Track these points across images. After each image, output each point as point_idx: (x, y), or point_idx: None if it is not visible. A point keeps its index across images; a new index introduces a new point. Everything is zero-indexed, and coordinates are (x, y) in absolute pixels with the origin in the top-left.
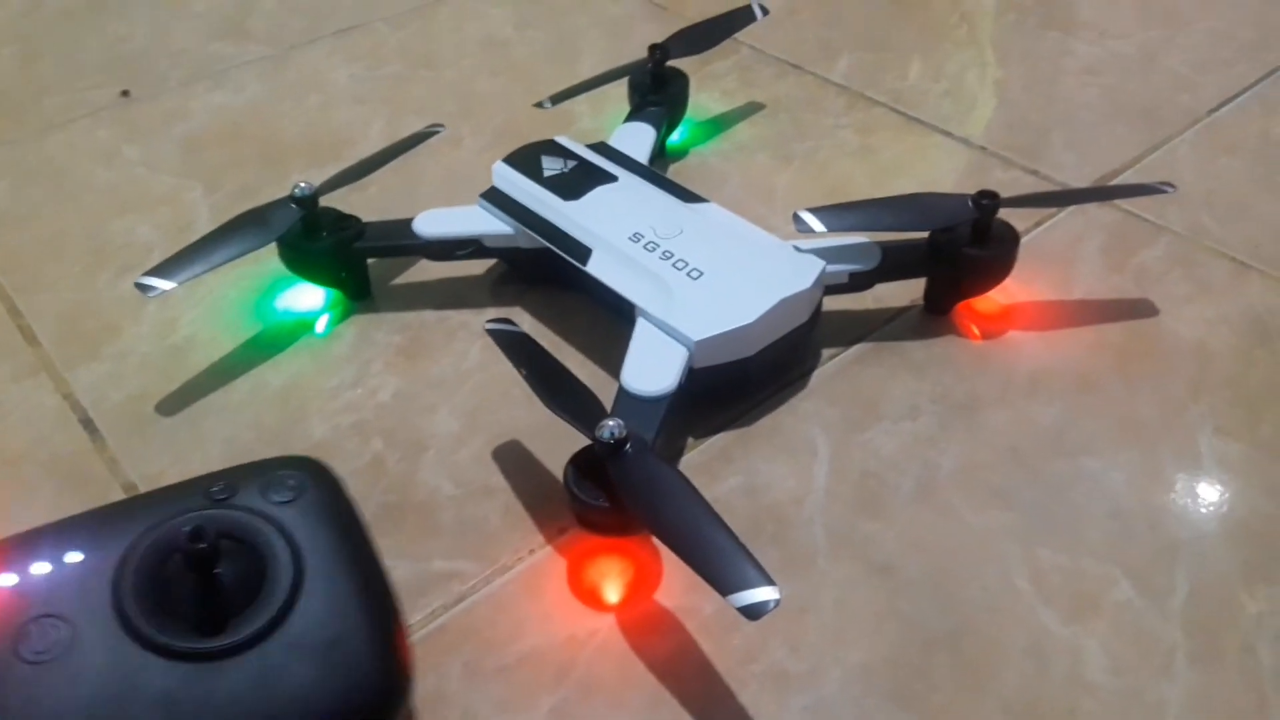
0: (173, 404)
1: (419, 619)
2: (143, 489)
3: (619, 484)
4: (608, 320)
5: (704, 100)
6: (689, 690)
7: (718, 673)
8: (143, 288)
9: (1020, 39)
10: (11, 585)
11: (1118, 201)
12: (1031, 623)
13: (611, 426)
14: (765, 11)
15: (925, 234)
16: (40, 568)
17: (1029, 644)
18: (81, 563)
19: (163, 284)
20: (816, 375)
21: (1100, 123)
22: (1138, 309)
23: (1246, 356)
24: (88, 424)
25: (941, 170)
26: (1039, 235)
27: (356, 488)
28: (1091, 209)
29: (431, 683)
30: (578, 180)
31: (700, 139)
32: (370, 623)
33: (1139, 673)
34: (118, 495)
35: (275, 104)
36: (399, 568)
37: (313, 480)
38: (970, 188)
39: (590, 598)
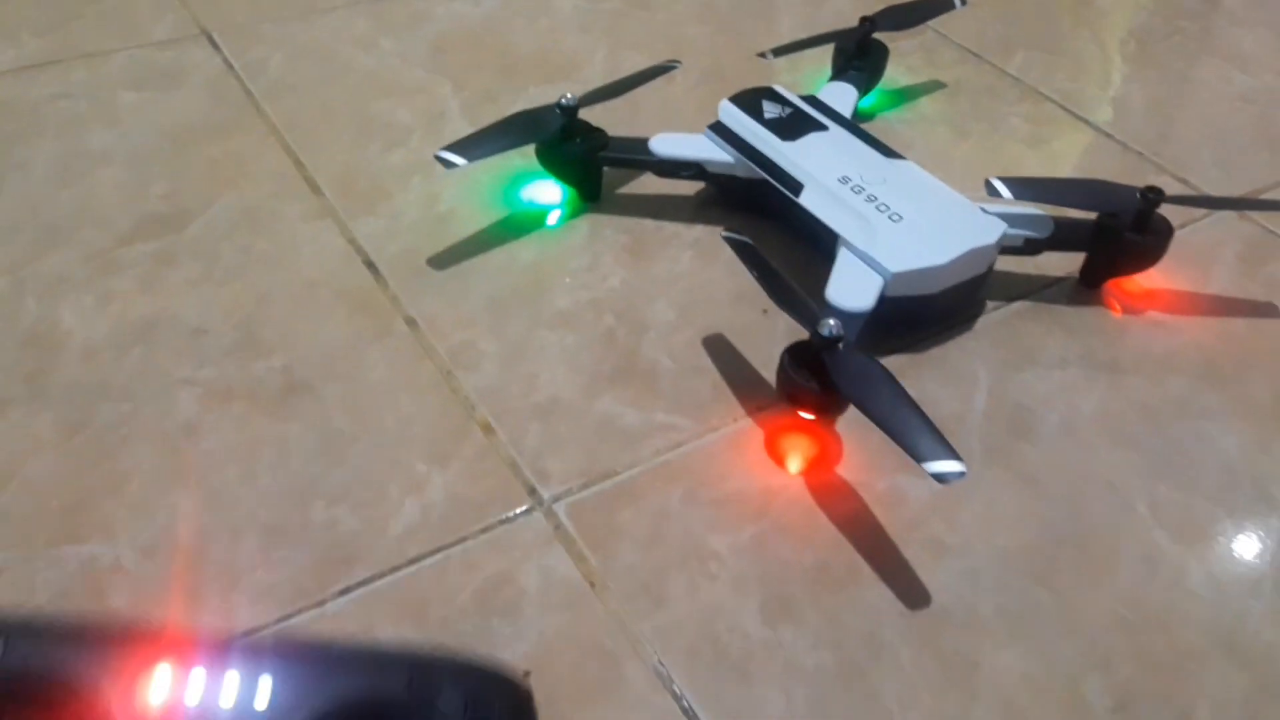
0: (441, 260)
1: (646, 454)
2: (421, 326)
3: (835, 371)
4: (800, 248)
5: (892, 73)
6: (862, 542)
7: (886, 534)
8: (443, 161)
9: (1183, 61)
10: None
11: (1257, 217)
12: (1146, 538)
13: (832, 325)
14: (964, 1)
15: (1093, 215)
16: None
17: (1142, 554)
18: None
19: (458, 159)
20: (981, 321)
21: (1248, 145)
22: (1262, 310)
23: None
24: (370, 266)
25: (1101, 167)
26: (1185, 234)
27: (595, 356)
28: (1233, 220)
29: (657, 503)
30: (794, 124)
31: (887, 106)
32: None
33: (1231, 589)
34: (400, 327)
35: (509, 20)
36: (628, 414)
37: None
38: (1161, 187)
39: (783, 461)
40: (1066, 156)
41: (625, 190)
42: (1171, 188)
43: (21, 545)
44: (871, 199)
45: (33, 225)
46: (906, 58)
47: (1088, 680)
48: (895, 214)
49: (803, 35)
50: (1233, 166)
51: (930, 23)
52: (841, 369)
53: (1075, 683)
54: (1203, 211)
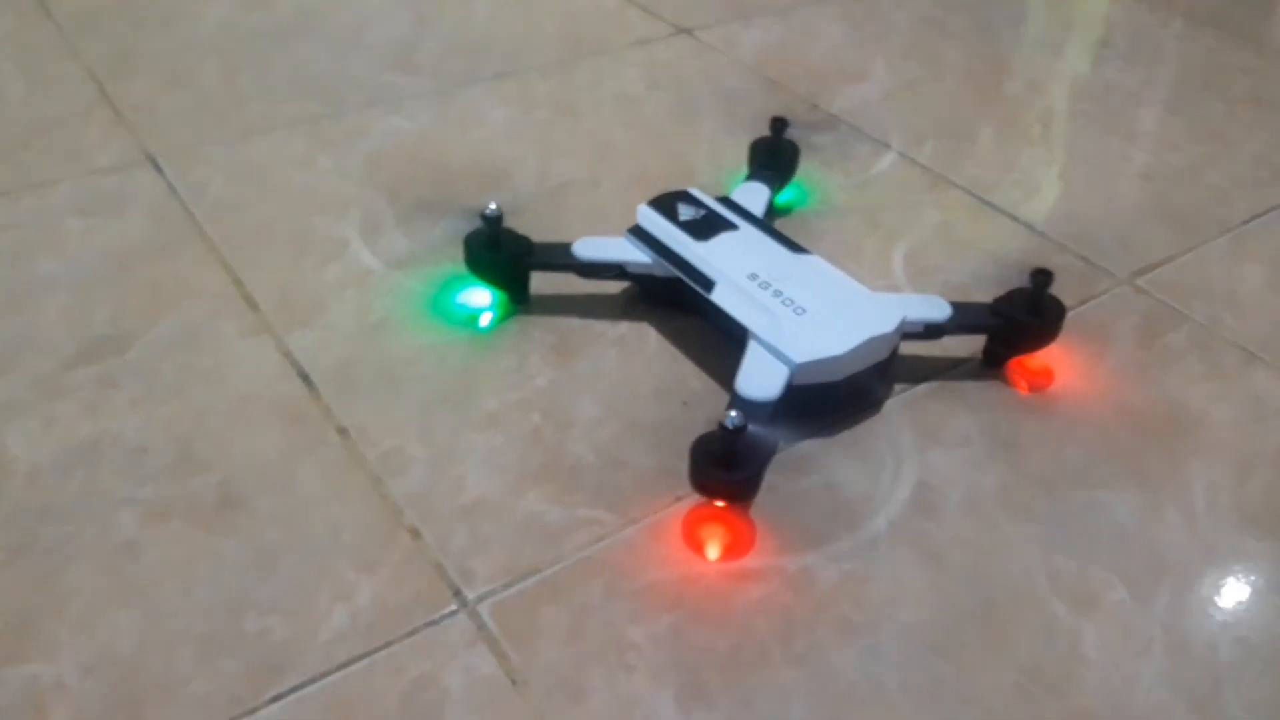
0: (373, 368)
1: (568, 550)
2: (352, 434)
3: (741, 454)
4: (715, 339)
5: (807, 166)
6: (774, 625)
7: (796, 615)
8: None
9: (1086, 142)
10: None
11: (1153, 290)
12: (1044, 608)
13: (734, 416)
14: None
15: (989, 300)
16: None
17: (1040, 623)
18: None
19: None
20: (890, 403)
21: (1146, 222)
22: (1155, 380)
23: (1243, 429)
24: (304, 378)
25: (1007, 249)
26: (1086, 309)
27: (521, 455)
28: (1130, 295)
29: (578, 598)
30: (707, 225)
31: (802, 200)
32: None
33: (1123, 653)
34: (332, 437)
35: (442, 133)
36: (552, 511)
37: None
38: (1029, 267)
39: (700, 549)
40: (975, 242)
41: (553, 291)
42: (1074, 267)
43: None
44: (777, 294)
45: None
46: (821, 152)
47: None
48: (799, 307)
49: (723, 137)
50: (1132, 242)
51: (843, 117)
52: (748, 450)
53: None
54: (1105, 282)
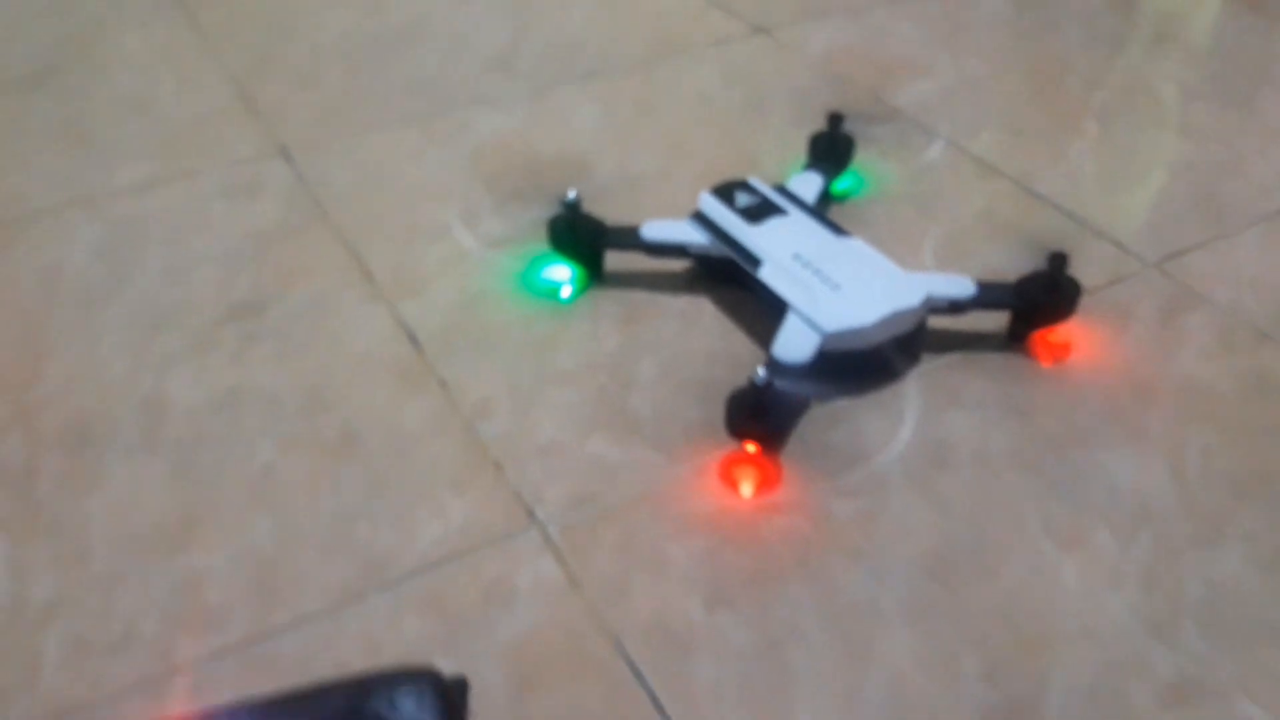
0: (469, 333)
1: (623, 484)
2: (450, 386)
3: (769, 406)
4: (764, 312)
5: (866, 155)
6: (792, 550)
7: (813, 543)
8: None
9: (1137, 135)
10: None
11: (1178, 274)
12: (1034, 547)
13: (762, 373)
14: None
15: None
16: None
17: (1028, 559)
18: None
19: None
20: (916, 372)
21: (1183, 211)
22: (1170, 357)
23: (1244, 401)
24: (412, 339)
25: (1046, 235)
26: (1113, 291)
27: (589, 406)
28: (1157, 278)
29: (628, 522)
30: (760, 211)
31: (860, 188)
32: None
33: (1098, 586)
34: (434, 388)
35: (536, 129)
36: (612, 453)
37: (430, 693)
38: (1071, 254)
39: (735, 487)
40: (1016, 228)
41: (625, 269)
42: (1105, 251)
43: (137, 555)
44: (817, 272)
45: (149, 315)
46: (880, 143)
47: (965, 656)
48: (835, 284)
49: (789, 130)
50: (1164, 229)
51: (905, 110)
52: (774, 403)
53: (955, 658)
54: (1133, 265)
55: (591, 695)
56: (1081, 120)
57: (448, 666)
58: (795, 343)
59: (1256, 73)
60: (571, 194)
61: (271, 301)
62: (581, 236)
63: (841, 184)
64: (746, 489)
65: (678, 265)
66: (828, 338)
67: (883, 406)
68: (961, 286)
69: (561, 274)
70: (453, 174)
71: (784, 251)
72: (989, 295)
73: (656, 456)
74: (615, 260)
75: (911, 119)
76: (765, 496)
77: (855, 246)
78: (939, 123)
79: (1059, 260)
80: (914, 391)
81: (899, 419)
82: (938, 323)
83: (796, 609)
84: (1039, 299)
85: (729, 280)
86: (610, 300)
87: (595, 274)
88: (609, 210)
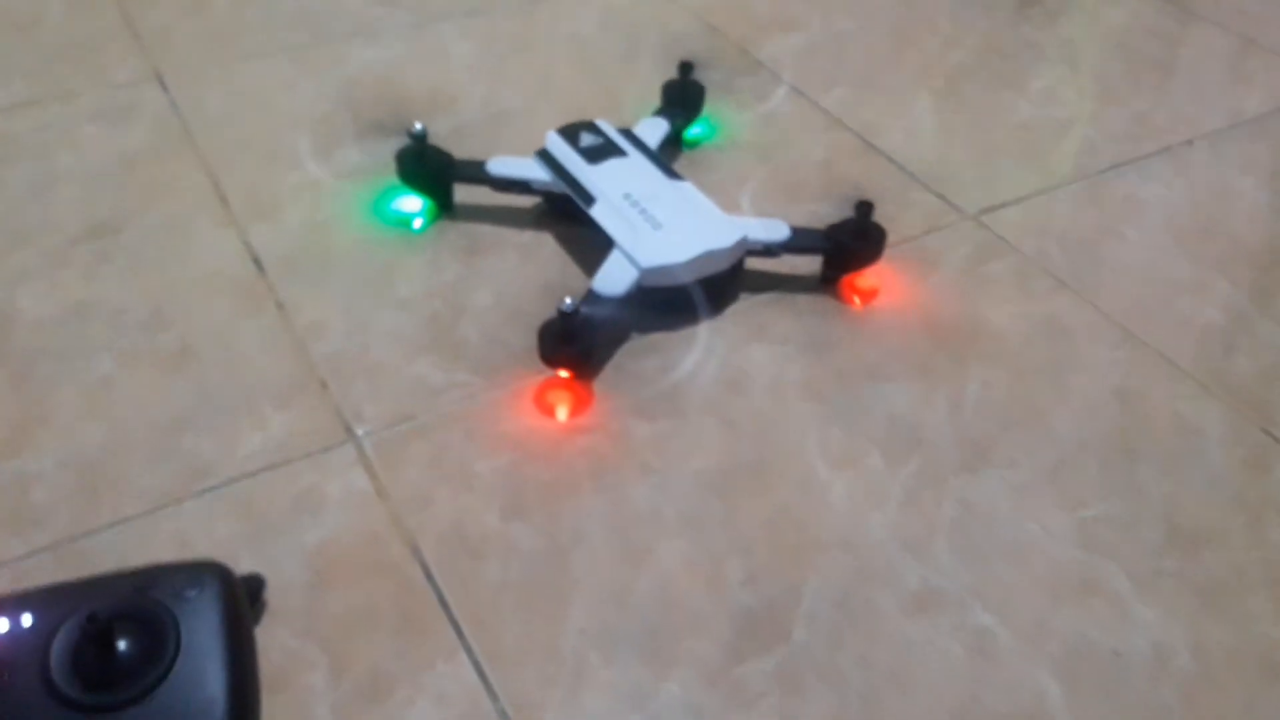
0: (313, 258)
1: (442, 404)
2: (288, 308)
3: (576, 333)
4: (599, 248)
5: (723, 105)
6: (589, 466)
7: (609, 460)
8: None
9: (982, 94)
10: None
11: (992, 224)
12: (807, 466)
13: (569, 302)
14: None
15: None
16: (1, 624)
17: (800, 477)
18: (30, 626)
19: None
20: (733, 307)
21: (1012, 168)
22: (969, 301)
23: (1029, 343)
24: (257, 262)
25: (879, 187)
26: (930, 239)
27: (420, 331)
28: (970, 228)
29: (441, 439)
30: (601, 152)
31: (711, 135)
32: (230, 697)
33: (862, 503)
34: (271, 309)
35: (410, 63)
36: (435, 375)
37: (214, 583)
38: (896, 204)
39: (548, 410)
40: (850, 180)
41: (477, 202)
42: (929, 203)
43: None
44: (643, 211)
45: (8, 232)
46: (739, 94)
47: (730, 561)
48: (658, 223)
49: (654, 76)
50: (988, 184)
51: (767, 63)
52: (584, 327)
53: (720, 563)
54: (952, 217)
55: (383, 593)
56: (932, 79)
57: (251, 565)
58: (615, 276)
59: (1110, 41)
60: (418, 126)
61: (128, 222)
62: (428, 169)
63: (692, 130)
64: (560, 412)
65: (527, 201)
66: (644, 273)
67: (694, 339)
68: (776, 230)
69: (413, 205)
70: (321, 104)
71: (616, 191)
72: (801, 240)
73: (477, 380)
74: (468, 194)
75: (772, 71)
76: (574, 419)
77: (684, 189)
78: (796, 76)
79: (865, 208)
80: (726, 326)
81: (708, 351)
82: (760, 264)
83: (585, 519)
84: (846, 243)
85: (572, 217)
86: (457, 232)
87: (444, 206)
88: (471, 145)
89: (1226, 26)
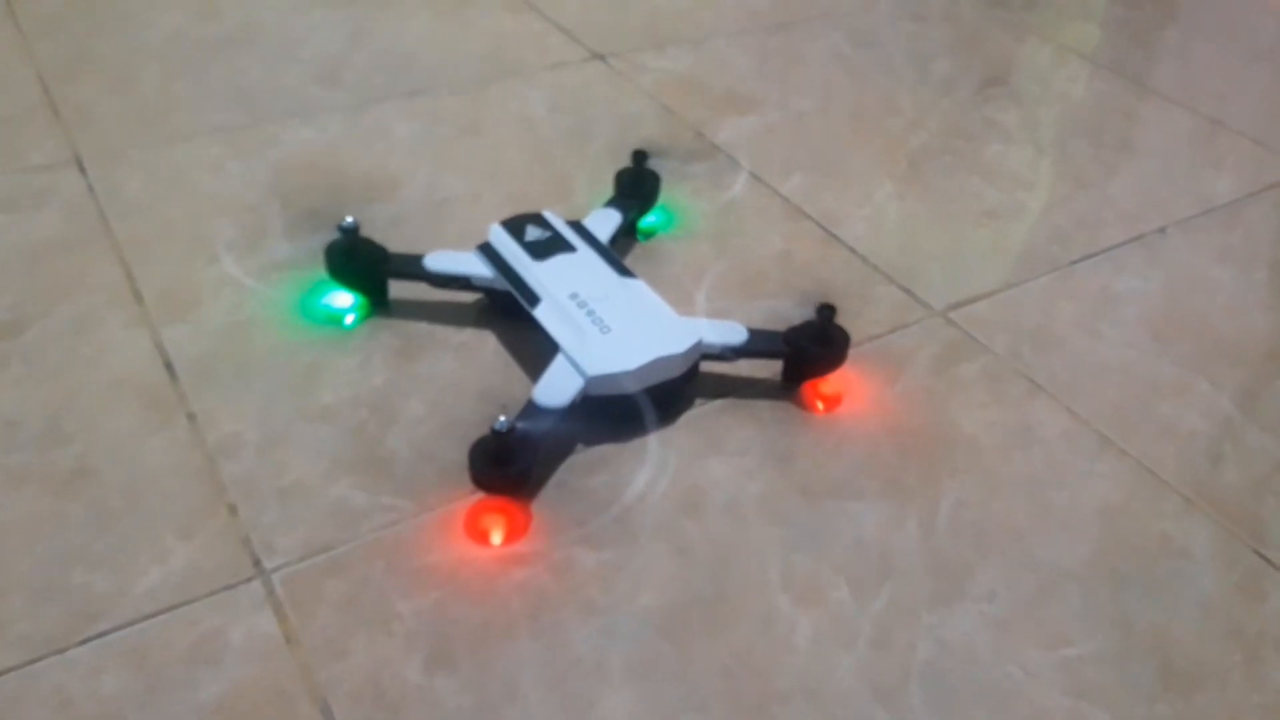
0: (231, 362)
1: (364, 531)
2: (199, 419)
3: (512, 454)
4: (547, 350)
5: (678, 192)
6: (526, 604)
7: (549, 596)
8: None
9: (946, 179)
10: None
11: (961, 322)
12: (769, 601)
13: (502, 420)
14: None
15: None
16: None
17: (761, 614)
18: None
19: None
20: (687, 415)
21: (980, 260)
22: (939, 406)
23: (1005, 454)
24: (169, 367)
25: (841, 280)
26: (895, 337)
27: (343, 445)
28: (939, 325)
29: (361, 573)
30: (548, 247)
31: (666, 225)
32: None
33: (830, 644)
34: (181, 421)
35: (347, 145)
36: (358, 496)
37: None
38: (859, 298)
39: (481, 537)
40: (809, 272)
41: (414, 297)
42: (894, 297)
43: None
44: (591, 313)
45: None
46: (694, 180)
47: (683, 719)
48: (606, 326)
49: (605, 161)
50: (958, 277)
51: (723, 147)
52: (519, 447)
53: None
54: (918, 312)
55: None
56: (894, 163)
57: None
58: (558, 385)
59: (1075, 122)
60: (349, 219)
61: (30, 322)
62: (359, 264)
63: (647, 220)
64: (495, 538)
65: (469, 297)
66: (590, 381)
67: (645, 451)
68: (733, 333)
69: (344, 301)
70: (250, 190)
71: (563, 290)
72: (758, 343)
73: (404, 503)
74: (405, 288)
75: (729, 156)
76: (510, 546)
77: (635, 288)
78: (753, 161)
79: (827, 311)
80: (680, 436)
81: (660, 466)
82: (716, 368)
83: (520, 668)
84: (806, 349)
85: (517, 315)
86: (390, 331)
87: (378, 303)
88: (411, 234)
89: (1192, 107)
